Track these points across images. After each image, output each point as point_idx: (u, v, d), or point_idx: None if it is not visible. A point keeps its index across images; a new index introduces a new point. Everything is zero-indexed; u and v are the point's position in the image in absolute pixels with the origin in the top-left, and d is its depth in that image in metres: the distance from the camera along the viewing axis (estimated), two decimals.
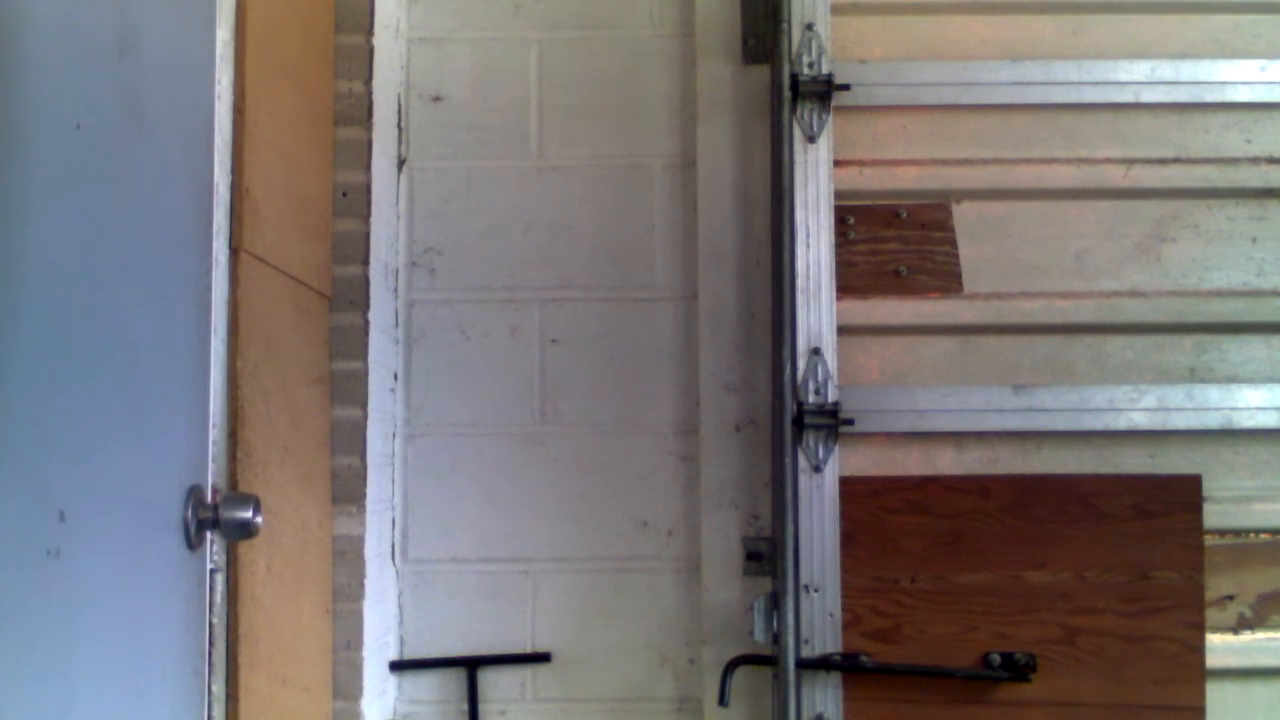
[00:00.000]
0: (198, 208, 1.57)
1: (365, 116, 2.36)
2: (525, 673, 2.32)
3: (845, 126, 2.28)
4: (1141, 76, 2.31)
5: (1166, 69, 2.32)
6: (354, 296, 2.33)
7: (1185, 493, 2.22)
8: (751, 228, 2.32)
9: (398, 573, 2.34)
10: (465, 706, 2.30)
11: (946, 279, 2.29)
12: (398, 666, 2.32)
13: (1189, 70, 2.32)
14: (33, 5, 1.12)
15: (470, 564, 2.34)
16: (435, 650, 2.33)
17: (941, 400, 2.25)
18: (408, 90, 2.41)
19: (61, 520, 1.13)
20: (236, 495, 1.56)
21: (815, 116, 2.26)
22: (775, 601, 2.16)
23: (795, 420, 2.18)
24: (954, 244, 2.30)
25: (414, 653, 2.33)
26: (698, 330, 2.33)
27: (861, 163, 2.31)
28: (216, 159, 1.64)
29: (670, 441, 2.34)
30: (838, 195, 2.26)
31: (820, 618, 2.17)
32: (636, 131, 2.40)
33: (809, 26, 2.27)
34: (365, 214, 2.35)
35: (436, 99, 2.42)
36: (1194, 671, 2.17)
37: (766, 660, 2.18)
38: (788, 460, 2.17)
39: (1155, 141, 2.32)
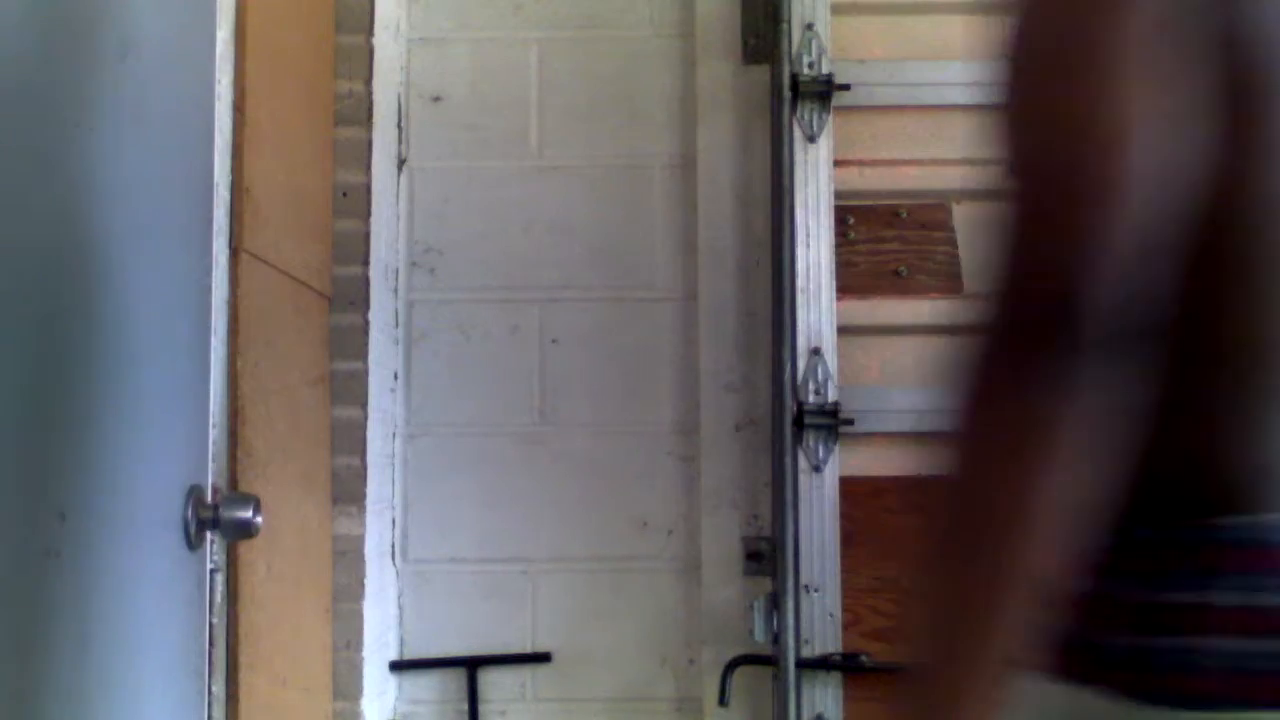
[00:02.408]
0: (198, 208, 1.57)
1: (365, 116, 2.36)
2: (525, 673, 2.32)
3: (845, 126, 2.28)
4: None
5: None
6: (354, 296, 2.33)
7: None
8: (751, 228, 2.32)
9: (398, 573, 2.34)
10: (465, 706, 2.30)
11: (946, 279, 2.29)
12: (398, 666, 2.32)
13: None
14: (33, 5, 1.12)
15: (470, 564, 2.34)
16: (435, 650, 2.33)
17: (942, 401, 2.24)
18: (408, 90, 2.41)
19: (62, 521, 1.13)
20: (236, 495, 1.56)
21: (815, 116, 2.26)
22: (775, 601, 2.16)
23: (795, 420, 2.18)
24: (954, 244, 2.30)
25: (414, 653, 2.33)
26: (698, 330, 2.33)
27: (861, 163, 2.30)
28: (216, 159, 1.64)
29: (670, 441, 2.34)
30: (838, 195, 2.26)
31: (820, 618, 2.17)
32: (636, 131, 2.40)
33: (809, 26, 2.27)
34: (365, 214, 2.35)
35: (436, 99, 2.42)
36: None
37: (766, 660, 2.18)
38: (788, 460, 2.17)
39: None
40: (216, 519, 1.48)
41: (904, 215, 2.30)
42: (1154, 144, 0.72)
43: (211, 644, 1.59)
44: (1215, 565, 0.75)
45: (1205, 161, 0.74)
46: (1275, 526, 0.76)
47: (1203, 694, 0.73)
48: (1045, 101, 0.78)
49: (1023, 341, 0.72)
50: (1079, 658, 0.78)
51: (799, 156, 2.24)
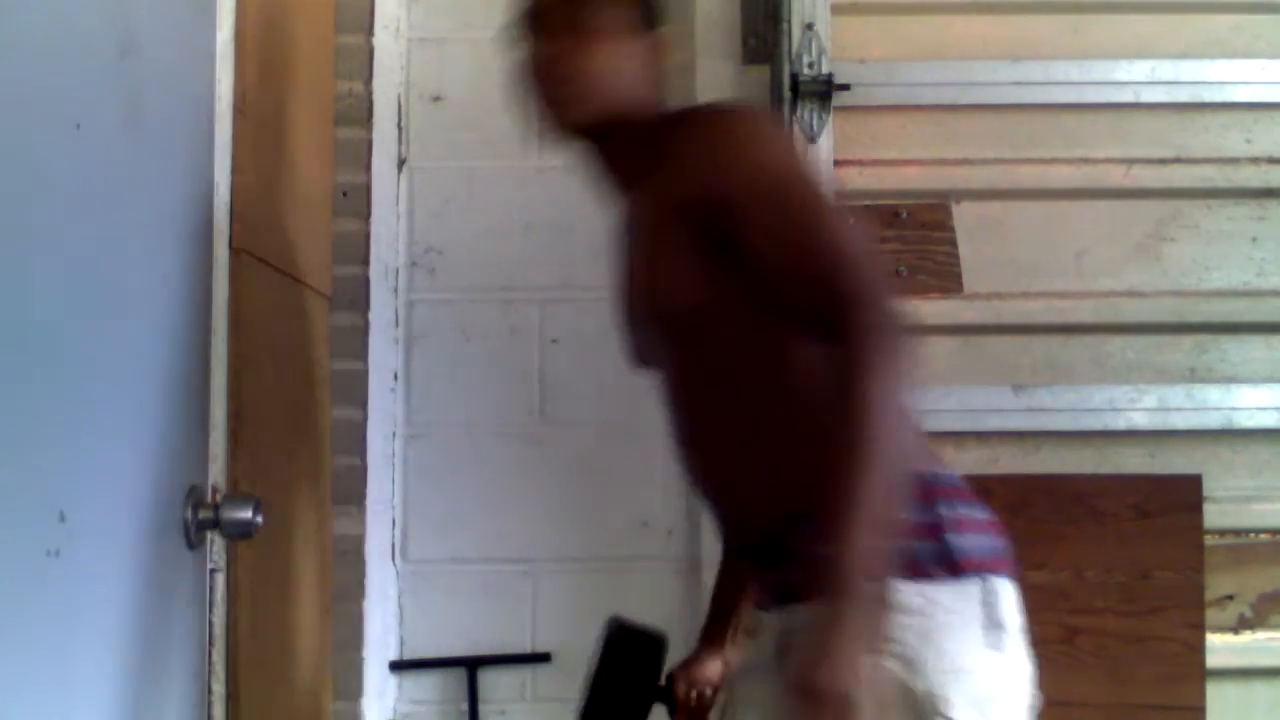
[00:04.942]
0: (198, 208, 1.58)
1: (365, 116, 2.36)
2: (525, 673, 2.32)
3: (845, 126, 2.28)
4: (1141, 76, 2.31)
5: (1166, 69, 2.32)
6: (354, 296, 2.33)
7: (1185, 493, 2.22)
8: None
9: (398, 573, 2.34)
10: (465, 706, 2.30)
11: (946, 279, 2.29)
12: (398, 666, 2.32)
13: (1189, 70, 2.32)
14: (33, 6, 1.12)
15: (470, 564, 2.34)
16: (435, 650, 2.33)
17: (941, 400, 2.25)
18: (408, 90, 2.41)
19: (61, 520, 1.13)
20: (236, 495, 1.56)
21: (815, 116, 2.26)
22: None
23: None
24: (954, 244, 2.30)
25: (414, 653, 2.33)
26: None
27: (861, 163, 2.30)
28: (216, 159, 1.64)
29: (670, 441, 2.33)
30: (837, 195, 2.26)
31: None
32: None
33: (809, 26, 2.27)
34: (365, 214, 2.35)
35: (436, 99, 2.42)
36: (1194, 671, 2.17)
37: None
38: None
39: (1155, 141, 2.32)
40: (216, 519, 1.48)
41: (904, 215, 2.30)
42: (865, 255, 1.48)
43: (211, 644, 1.59)
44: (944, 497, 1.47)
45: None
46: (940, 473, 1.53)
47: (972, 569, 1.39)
48: (834, 248, 1.47)
49: (879, 330, 1.36)
50: (910, 564, 1.34)
51: None
